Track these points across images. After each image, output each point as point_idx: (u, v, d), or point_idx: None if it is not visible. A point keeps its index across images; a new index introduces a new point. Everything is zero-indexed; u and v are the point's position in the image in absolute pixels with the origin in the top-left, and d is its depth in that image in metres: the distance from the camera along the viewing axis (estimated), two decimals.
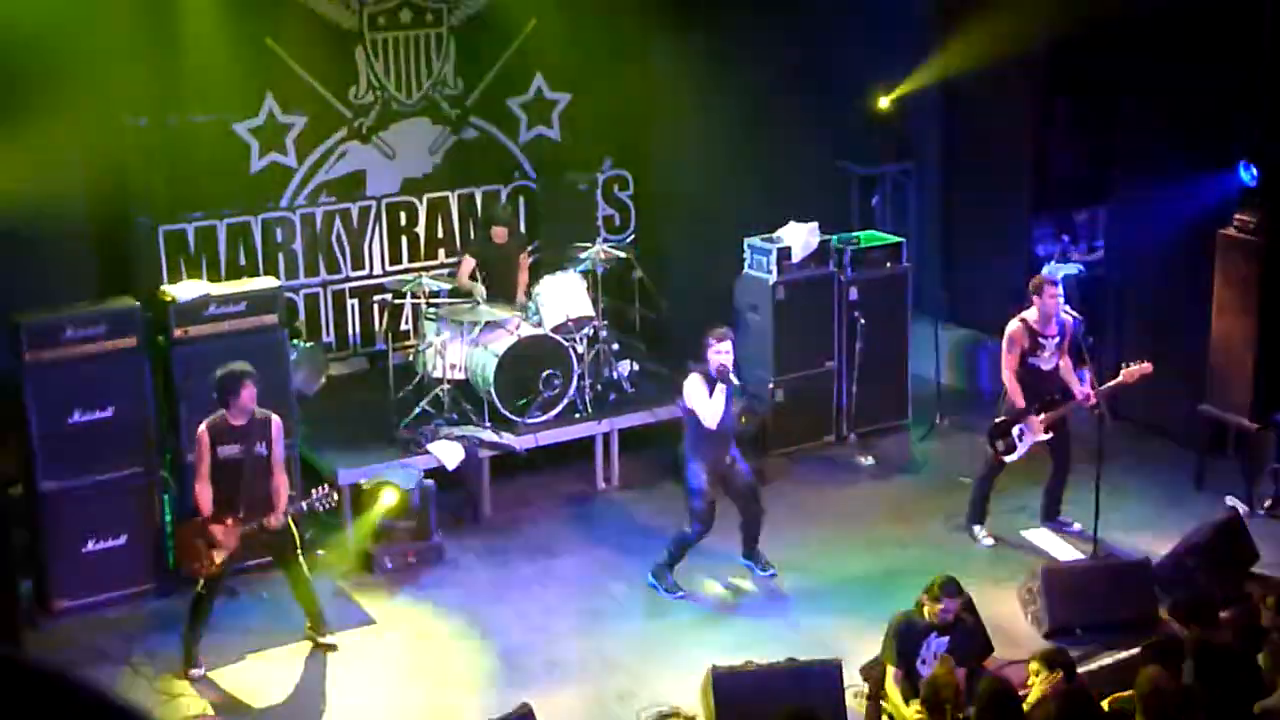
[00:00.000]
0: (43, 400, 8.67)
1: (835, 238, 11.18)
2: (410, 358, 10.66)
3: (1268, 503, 9.95)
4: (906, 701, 7.16)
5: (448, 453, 9.84)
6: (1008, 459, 9.44)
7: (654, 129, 11.93)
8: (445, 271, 11.24)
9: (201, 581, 8.11)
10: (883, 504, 10.33)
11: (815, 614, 8.80)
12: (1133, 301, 11.28)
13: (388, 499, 9.32)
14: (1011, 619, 8.56)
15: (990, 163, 12.12)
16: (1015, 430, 9.35)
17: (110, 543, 8.89)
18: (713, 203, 11.62)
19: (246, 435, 8.03)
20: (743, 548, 9.31)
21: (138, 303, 9.08)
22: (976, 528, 9.71)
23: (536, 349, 10.18)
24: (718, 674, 7.37)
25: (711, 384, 8.75)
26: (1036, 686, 6.63)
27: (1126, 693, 6.55)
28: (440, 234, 11.63)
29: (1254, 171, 9.72)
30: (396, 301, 10.78)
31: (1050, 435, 9.42)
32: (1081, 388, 9.44)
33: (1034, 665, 6.72)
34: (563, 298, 10.40)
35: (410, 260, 11.49)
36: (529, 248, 11.32)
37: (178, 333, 9.05)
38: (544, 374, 10.18)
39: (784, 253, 10.92)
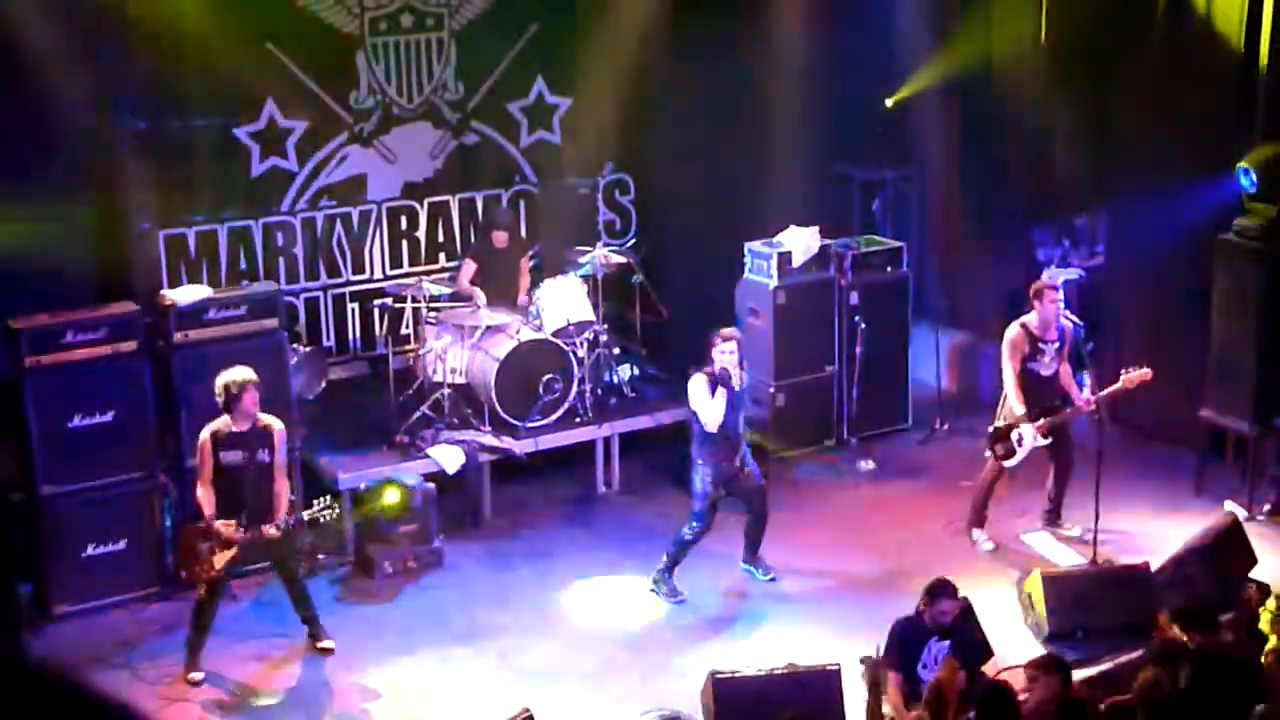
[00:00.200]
0: (43, 404, 8.68)
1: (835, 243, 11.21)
2: (410, 362, 10.66)
3: (1267, 507, 9.95)
4: (907, 706, 7.16)
5: (448, 457, 9.85)
6: (1007, 464, 9.44)
7: (655, 133, 11.92)
8: (446, 276, 11.25)
9: (203, 586, 8.12)
10: (883, 508, 10.33)
11: (815, 619, 8.81)
12: (1133, 306, 11.27)
13: (390, 497, 9.35)
14: (1011, 624, 8.57)
15: (991, 167, 12.12)
16: (1015, 435, 9.35)
17: (110, 547, 8.90)
18: (713, 207, 11.62)
19: (249, 441, 8.03)
20: (744, 553, 9.29)
21: (138, 307, 9.09)
22: (976, 532, 9.72)
23: (537, 353, 10.19)
24: (718, 679, 7.37)
25: (714, 385, 8.74)
26: (1034, 692, 6.62)
27: (1125, 696, 6.55)
28: (441, 238, 11.63)
29: (1253, 177, 9.73)
30: (397, 305, 10.78)
31: (1050, 440, 9.44)
32: (1081, 393, 9.45)
33: (1032, 671, 6.71)
34: (563, 302, 10.40)
35: (411, 264, 11.50)
36: (530, 252, 11.32)
37: (178, 337, 9.06)
38: (544, 378, 10.19)
39: (785, 257, 10.93)
